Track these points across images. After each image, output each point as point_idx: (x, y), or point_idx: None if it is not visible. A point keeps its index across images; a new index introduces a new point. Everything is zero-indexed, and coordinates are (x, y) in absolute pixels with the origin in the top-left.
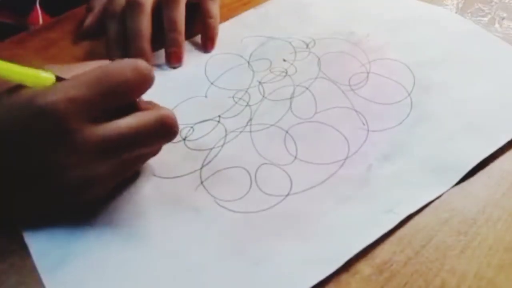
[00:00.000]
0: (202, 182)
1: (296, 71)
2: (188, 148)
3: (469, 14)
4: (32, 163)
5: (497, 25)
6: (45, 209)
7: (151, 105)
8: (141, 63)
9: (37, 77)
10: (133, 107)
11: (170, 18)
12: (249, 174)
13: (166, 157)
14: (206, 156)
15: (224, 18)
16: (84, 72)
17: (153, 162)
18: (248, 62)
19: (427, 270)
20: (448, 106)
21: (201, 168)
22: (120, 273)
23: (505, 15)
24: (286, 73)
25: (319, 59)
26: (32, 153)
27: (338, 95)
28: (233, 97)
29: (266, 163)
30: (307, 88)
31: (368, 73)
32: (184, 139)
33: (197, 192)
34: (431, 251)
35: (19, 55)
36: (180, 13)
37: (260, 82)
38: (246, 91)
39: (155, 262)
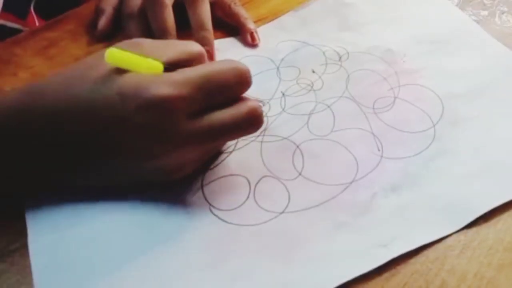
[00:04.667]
0: (202, 186)
1: (322, 86)
2: None
3: (470, 7)
4: (124, 150)
5: (497, 19)
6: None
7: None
8: (241, 66)
9: (148, 65)
10: (234, 100)
11: (197, 17)
12: (249, 185)
13: None
14: (213, 160)
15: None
16: (190, 69)
17: None
18: (277, 68)
19: (427, 270)
20: (471, 144)
21: (205, 172)
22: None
23: (506, 9)
24: (312, 87)
25: (348, 76)
26: (128, 140)
27: (358, 116)
28: None
29: (268, 175)
30: (328, 107)
31: (395, 97)
32: None
33: (195, 196)
34: (431, 251)
35: (19, 55)
36: (207, 12)
37: (283, 94)
38: (268, 102)
39: (138, 261)
